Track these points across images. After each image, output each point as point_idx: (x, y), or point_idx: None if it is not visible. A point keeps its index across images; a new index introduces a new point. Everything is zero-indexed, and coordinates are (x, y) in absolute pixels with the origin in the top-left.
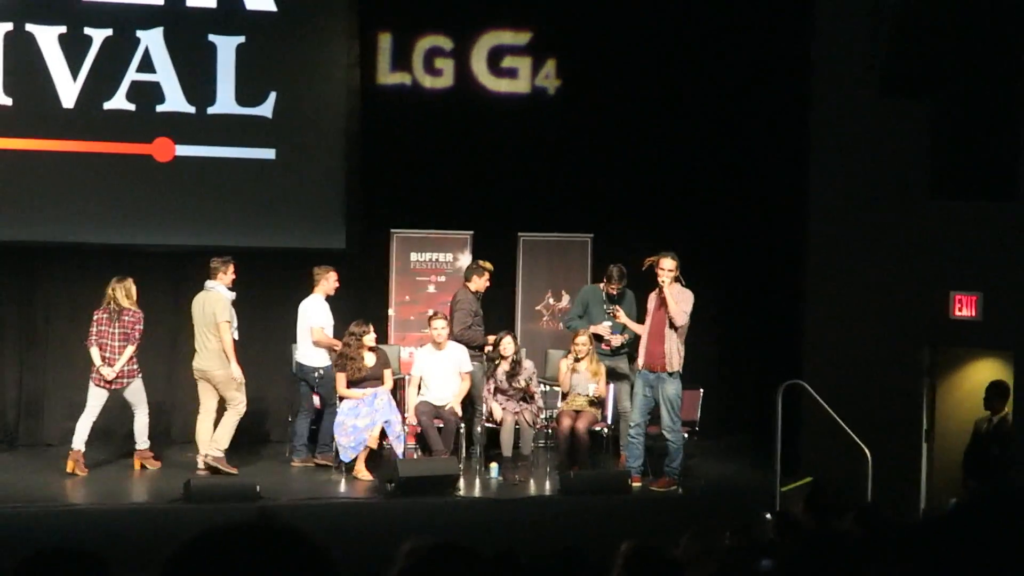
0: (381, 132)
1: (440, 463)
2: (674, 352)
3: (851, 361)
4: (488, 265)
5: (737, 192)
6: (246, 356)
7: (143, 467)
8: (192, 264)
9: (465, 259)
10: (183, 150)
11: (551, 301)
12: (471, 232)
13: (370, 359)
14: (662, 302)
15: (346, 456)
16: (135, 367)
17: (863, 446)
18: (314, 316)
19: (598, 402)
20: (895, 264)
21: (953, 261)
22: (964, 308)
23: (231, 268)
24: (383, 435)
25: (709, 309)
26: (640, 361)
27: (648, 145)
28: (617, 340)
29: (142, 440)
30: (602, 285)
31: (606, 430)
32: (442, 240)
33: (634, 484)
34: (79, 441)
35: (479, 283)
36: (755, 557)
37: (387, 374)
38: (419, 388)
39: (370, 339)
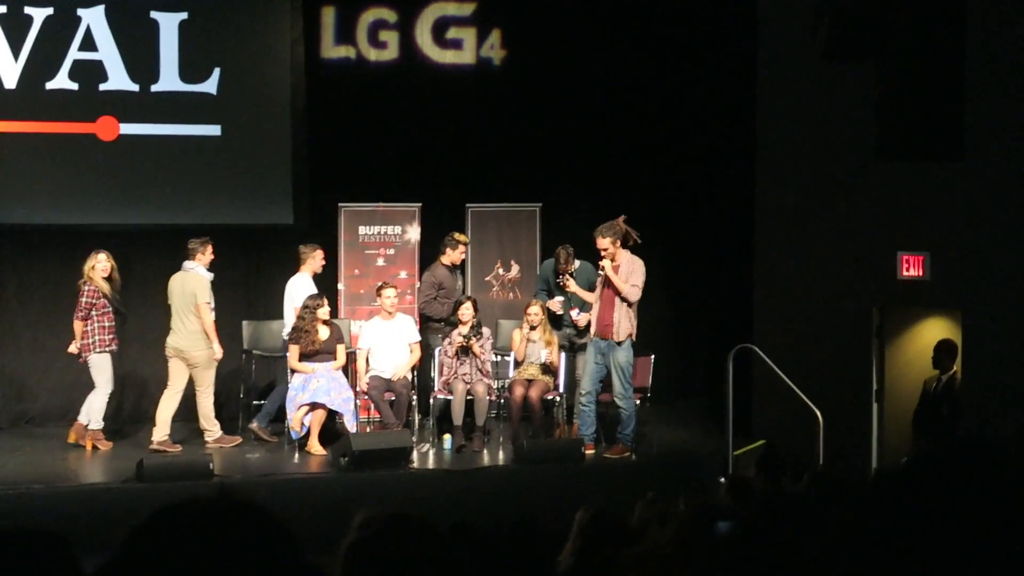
0: (326, 106)
1: (393, 436)
2: (623, 320)
3: (801, 324)
4: (462, 238)
5: (685, 158)
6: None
7: (94, 447)
8: (138, 243)
9: (414, 231)
10: (127, 128)
11: (501, 271)
12: (419, 204)
13: (324, 333)
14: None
15: (296, 433)
16: (88, 342)
17: (814, 408)
18: (299, 295)
19: (550, 370)
20: (842, 226)
21: (900, 222)
22: (912, 268)
23: (209, 249)
24: (335, 413)
25: (659, 275)
26: (592, 330)
27: (595, 113)
28: (584, 319)
29: (96, 420)
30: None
31: (558, 399)
32: (390, 213)
33: (587, 452)
34: (95, 421)
35: (453, 255)
36: (711, 521)
37: (340, 349)
38: (367, 361)
39: (324, 312)
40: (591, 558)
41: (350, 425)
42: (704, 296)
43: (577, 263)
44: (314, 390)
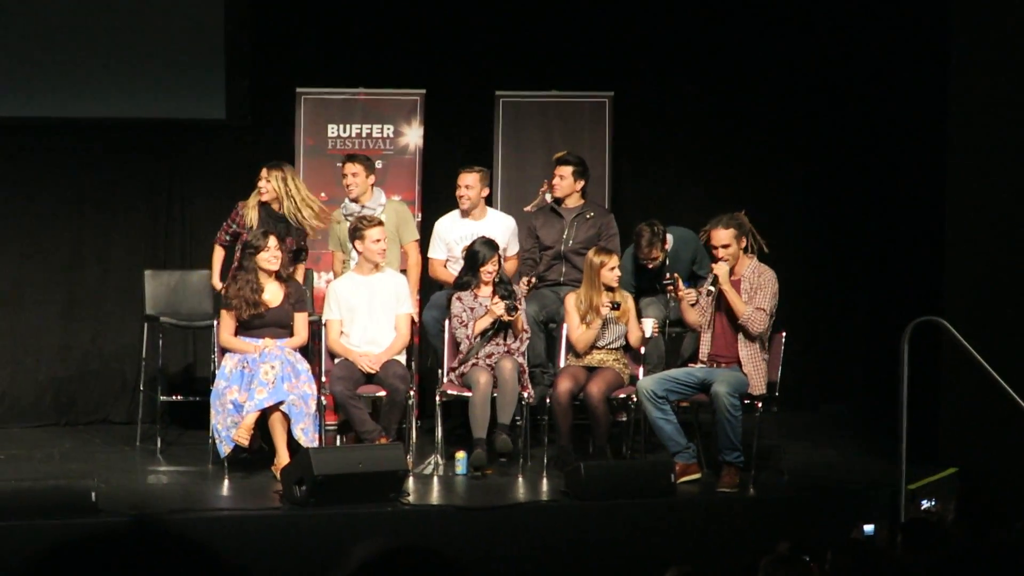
0: None
1: (378, 454)
2: (756, 363)
3: (1014, 290)
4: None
5: (839, 41)
6: (83, 284)
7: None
8: None
9: (414, 133)
10: None
11: (548, 197)
12: (422, 91)
13: (273, 292)
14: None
15: (221, 448)
16: None
17: None
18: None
19: (629, 350)
20: None
21: None
22: None
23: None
24: (285, 418)
25: (790, 222)
26: (702, 352)
27: None
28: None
29: None
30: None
31: (635, 397)
32: (378, 104)
33: (685, 478)
34: None
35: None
36: None
37: (299, 319)
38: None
39: (271, 259)
40: None
41: (309, 436)
42: (862, 250)
43: (670, 239)
44: (270, 383)
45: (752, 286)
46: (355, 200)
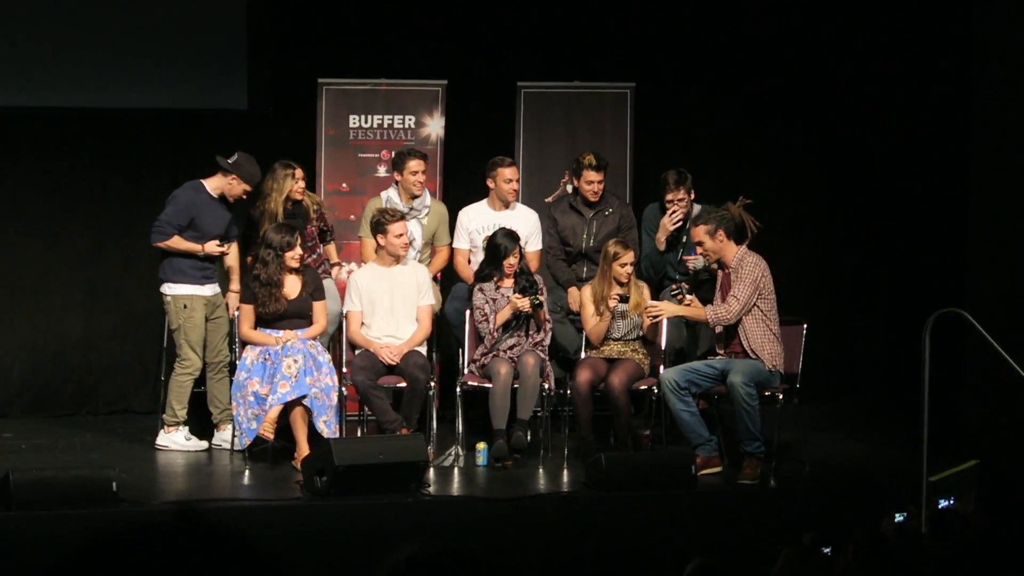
0: None
1: (398, 444)
2: (765, 339)
3: None
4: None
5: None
6: (106, 274)
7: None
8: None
9: (436, 124)
10: None
11: (570, 188)
12: (444, 82)
13: (292, 285)
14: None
15: (242, 440)
16: None
17: None
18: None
19: (649, 342)
20: None
21: None
22: None
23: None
24: (307, 411)
25: (811, 212)
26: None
27: None
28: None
29: None
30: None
31: (656, 389)
32: (400, 95)
33: (706, 471)
34: None
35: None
36: None
37: (318, 308)
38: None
39: (295, 257)
40: None
41: (330, 427)
42: (884, 242)
43: (696, 207)
44: (293, 376)
45: (736, 275)
46: (415, 197)
